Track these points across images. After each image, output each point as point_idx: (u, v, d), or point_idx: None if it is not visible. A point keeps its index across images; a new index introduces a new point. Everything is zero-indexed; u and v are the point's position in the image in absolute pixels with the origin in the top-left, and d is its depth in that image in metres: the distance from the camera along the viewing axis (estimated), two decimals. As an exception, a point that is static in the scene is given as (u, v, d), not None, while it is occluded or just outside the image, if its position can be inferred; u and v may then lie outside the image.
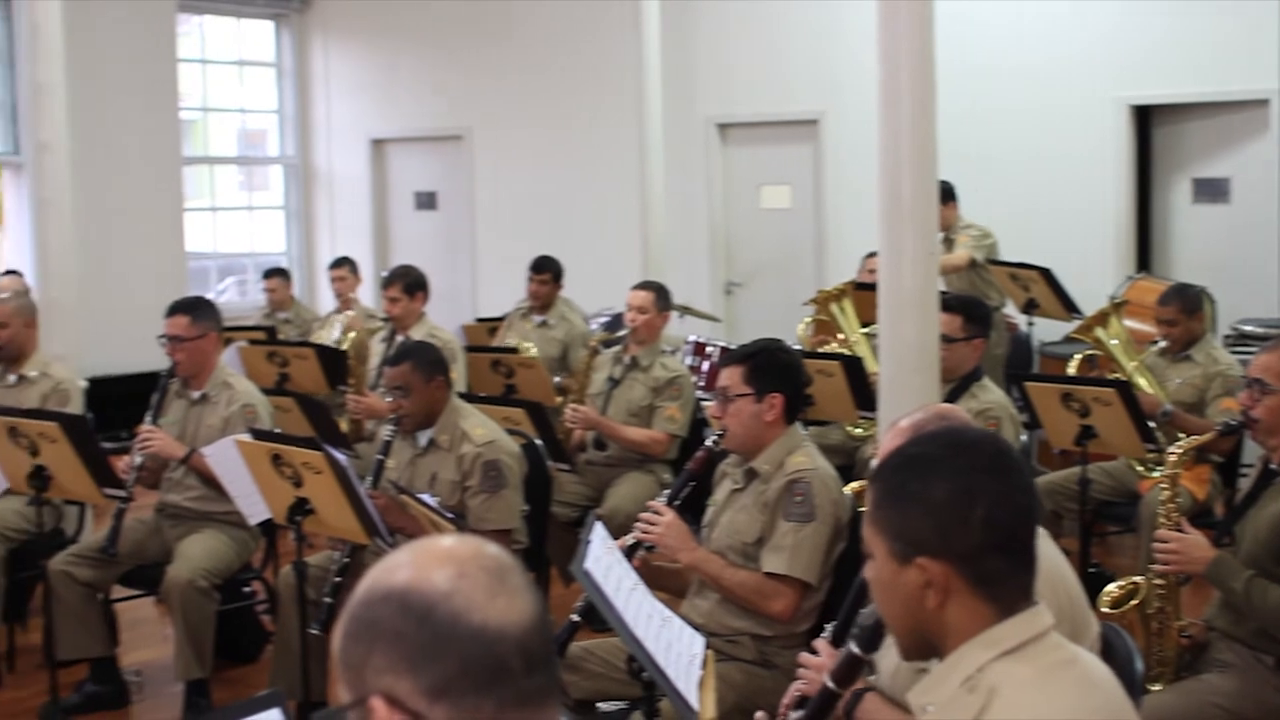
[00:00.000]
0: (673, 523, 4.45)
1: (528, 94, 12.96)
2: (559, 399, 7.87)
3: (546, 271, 9.12)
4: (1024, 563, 2.21)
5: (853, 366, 7.20)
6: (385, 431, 5.55)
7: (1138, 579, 4.55)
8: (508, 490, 5.37)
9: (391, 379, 5.50)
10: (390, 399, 5.52)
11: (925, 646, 2.24)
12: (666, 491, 4.69)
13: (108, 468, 5.67)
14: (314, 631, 5.28)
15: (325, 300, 12.49)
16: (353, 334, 9.22)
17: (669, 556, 4.49)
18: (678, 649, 3.61)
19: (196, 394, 6.12)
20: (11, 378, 6.66)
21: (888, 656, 3.16)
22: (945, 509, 2.16)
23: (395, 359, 5.58)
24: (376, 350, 7.98)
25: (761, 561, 4.37)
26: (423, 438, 5.49)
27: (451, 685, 1.57)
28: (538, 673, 1.62)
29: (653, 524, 4.45)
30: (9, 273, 10.31)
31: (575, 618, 4.27)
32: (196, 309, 6.12)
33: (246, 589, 6.56)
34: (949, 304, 6.08)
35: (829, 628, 3.50)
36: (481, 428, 5.47)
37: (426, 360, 5.47)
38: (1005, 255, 9.36)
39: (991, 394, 5.99)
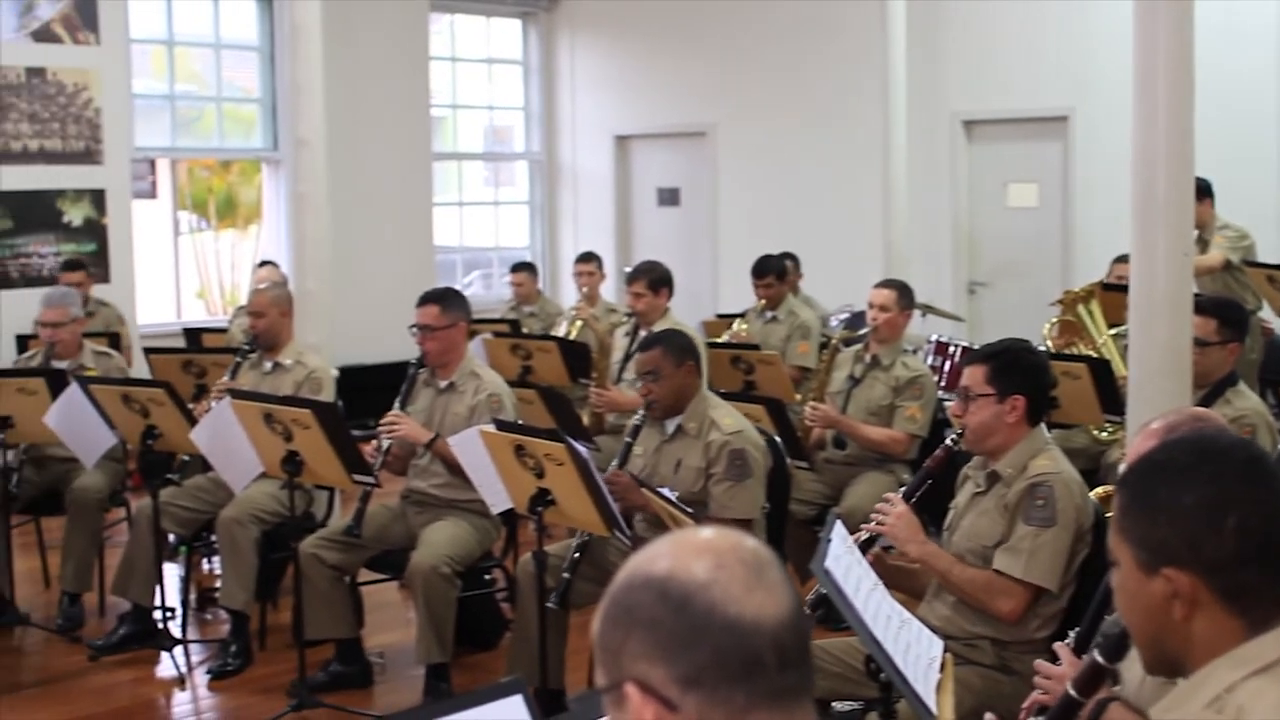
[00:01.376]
0: (904, 514, 4.40)
1: (772, 90, 12.94)
2: (798, 396, 7.85)
3: (767, 274, 9.09)
4: (1279, 576, 2.12)
5: (1100, 369, 7.03)
6: (636, 417, 5.62)
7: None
8: (752, 480, 5.39)
9: (642, 364, 5.56)
10: (640, 384, 5.57)
11: (1169, 661, 2.16)
12: (903, 488, 4.64)
13: (357, 454, 5.81)
14: (551, 605, 5.36)
15: (568, 294, 12.65)
16: (579, 324, 9.32)
17: (898, 548, 4.44)
18: (916, 651, 3.57)
19: (444, 383, 6.25)
20: (268, 365, 6.89)
21: (1133, 667, 3.08)
22: (1195, 518, 2.07)
23: (646, 344, 5.65)
24: (619, 344, 8.05)
25: (994, 559, 4.30)
26: (670, 425, 5.54)
27: (704, 675, 1.58)
28: (791, 669, 1.61)
29: (884, 514, 4.41)
30: (266, 264, 10.65)
31: (808, 613, 4.25)
32: (446, 299, 6.25)
33: (487, 577, 6.67)
34: (1203, 306, 5.89)
35: (1073, 634, 3.43)
36: (730, 418, 5.50)
37: (677, 346, 5.53)
38: (1262, 257, 9.03)
39: (1247, 400, 5.78)
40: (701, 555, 1.63)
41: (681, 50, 13.59)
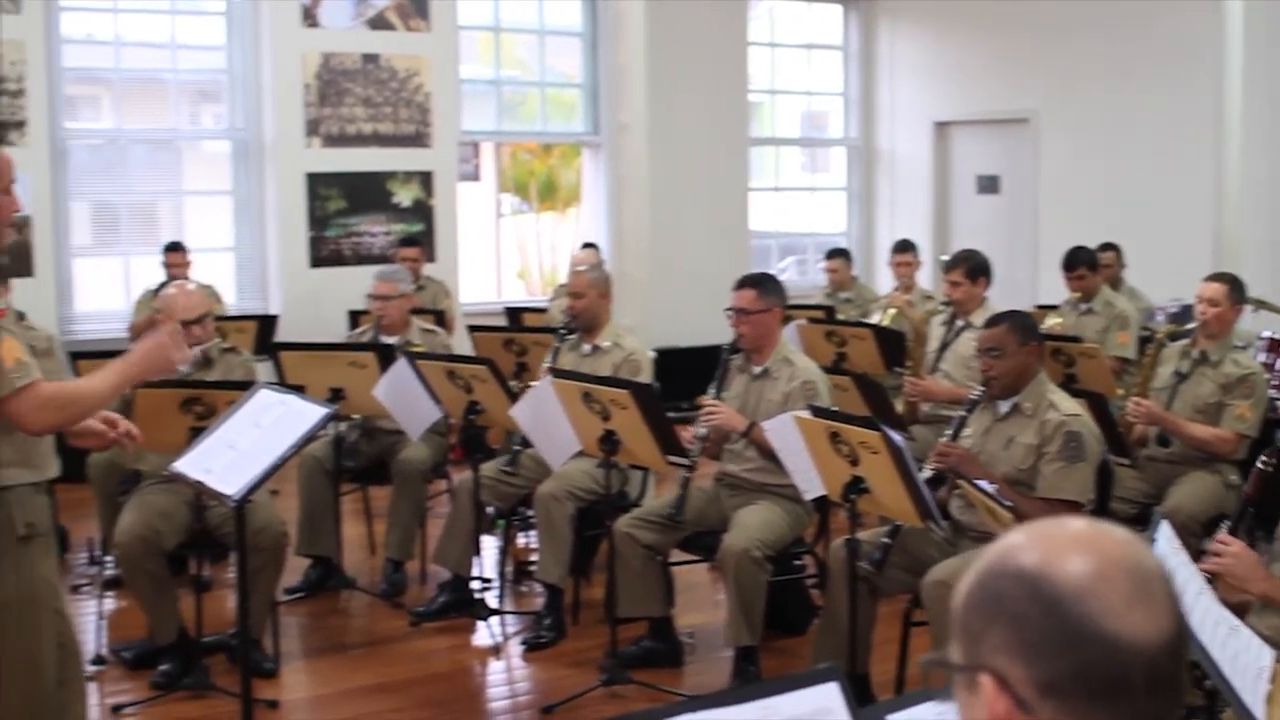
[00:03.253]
0: (1240, 552, 4.20)
1: (1097, 75, 12.57)
2: (1120, 390, 7.64)
3: (1078, 266, 8.87)
4: None
5: None
6: (975, 392, 5.59)
7: None
8: (1084, 465, 5.29)
9: (985, 340, 5.52)
10: (982, 361, 5.52)
11: None
12: (1226, 522, 4.45)
13: (673, 436, 5.87)
14: (865, 566, 5.36)
15: (884, 281, 12.55)
16: (893, 312, 9.24)
17: (1239, 587, 4.25)
18: (1245, 660, 3.44)
19: (758, 369, 6.26)
20: (586, 348, 7.01)
21: None
22: None
23: (991, 322, 5.62)
24: (935, 334, 7.95)
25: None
26: (1004, 406, 5.50)
27: (1064, 685, 1.50)
28: (1160, 694, 1.51)
29: (1219, 555, 4.22)
30: (586, 246, 10.85)
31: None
32: (764, 284, 6.26)
33: (797, 562, 6.67)
34: None
35: None
36: (1068, 402, 5.45)
37: (1022, 325, 5.50)
38: None
39: None
40: (1083, 556, 1.54)
41: (1003, 35, 13.33)
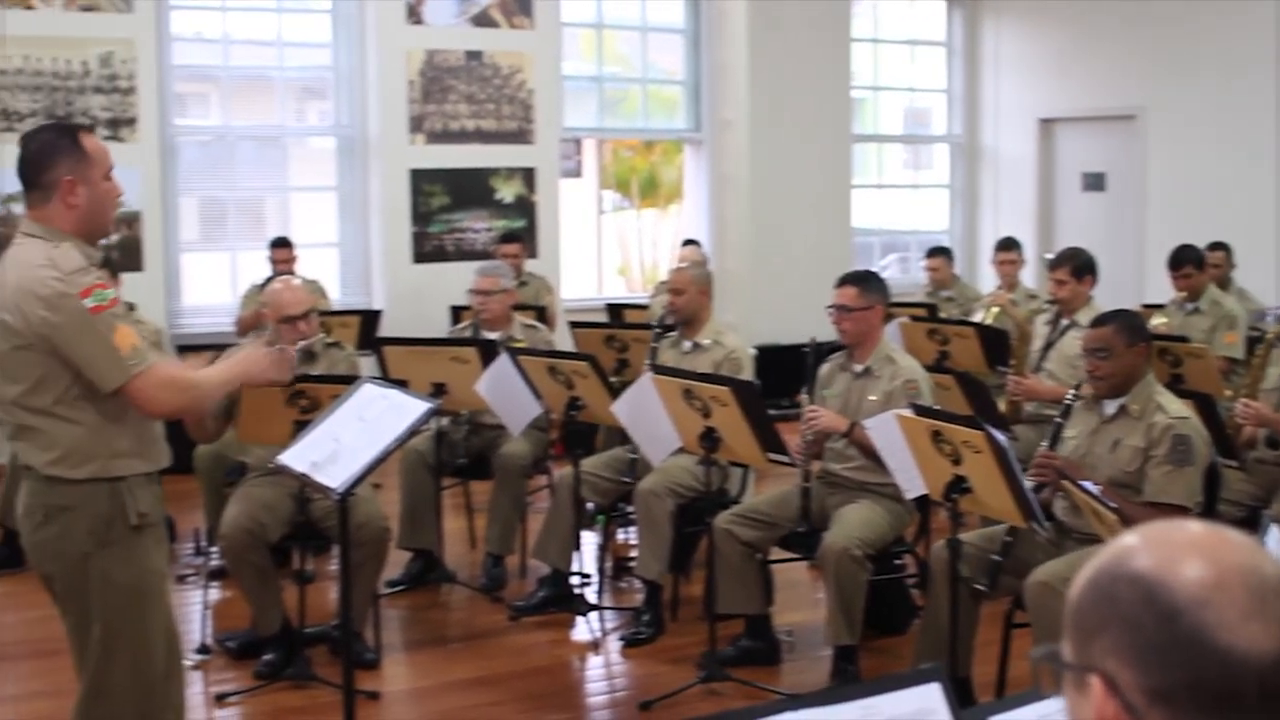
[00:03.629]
0: None
1: (1205, 71, 12.37)
2: (1228, 391, 7.52)
3: (1185, 265, 8.75)
4: None
5: None
6: (1068, 396, 5.52)
7: None
8: (1192, 469, 5.21)
9: (1093, 340, 5.44)
10: (1088, 361, 5.45)
11: None
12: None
13: (774, 433, 5.85)
14: (980, 588, 5.35)
15: (986, 280, 12.43)
16: (995, 310, 9.15)
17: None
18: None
19: (860, 367, 6.24)
20: (687, 344, 7.01)
21: None
22: None
23: (1098, 321, 5.54)
24: (1040, 332, 7.88)
25: None
26: (1110, 407, 5.42)
27: (1174, 695, 1.48)
28: (1273, 706, 1.48)
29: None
30: (688, 243, 10.84)
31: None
32: (867, 282, 6.24)
33: (897, 562, 6.63)
34: None
35: None
36: (1176, 404, 5.36)
37: (1130, 325, 5.42)
38: None
39: None
40: (1198, 560, 1.51)
41: (1110, 31, 13.15)
